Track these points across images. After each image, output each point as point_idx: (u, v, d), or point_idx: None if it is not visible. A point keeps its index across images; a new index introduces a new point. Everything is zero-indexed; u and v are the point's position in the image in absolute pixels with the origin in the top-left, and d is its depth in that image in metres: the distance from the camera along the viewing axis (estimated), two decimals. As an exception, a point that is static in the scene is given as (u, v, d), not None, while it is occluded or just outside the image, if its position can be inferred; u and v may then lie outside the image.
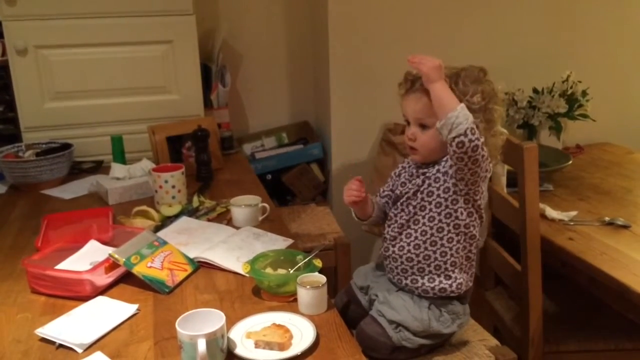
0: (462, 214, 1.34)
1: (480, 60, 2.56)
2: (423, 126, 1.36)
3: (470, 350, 1.43)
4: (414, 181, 1.40)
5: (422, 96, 1.33)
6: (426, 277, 1.38)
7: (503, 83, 1.39)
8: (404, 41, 2.48)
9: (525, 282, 1.62)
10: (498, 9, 2.55)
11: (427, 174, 1.37)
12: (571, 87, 2.47)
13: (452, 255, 1.36)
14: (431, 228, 1.36)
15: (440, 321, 1.37)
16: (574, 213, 1.85)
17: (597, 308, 1.78)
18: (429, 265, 1.37)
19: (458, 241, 1.36)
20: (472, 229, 1.37)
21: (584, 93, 2.48)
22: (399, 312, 1.36)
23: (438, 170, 1.35)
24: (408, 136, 1.38)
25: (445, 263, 1.37)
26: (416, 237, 1.37)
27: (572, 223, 1.81)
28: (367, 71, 2.48)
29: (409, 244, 1.38)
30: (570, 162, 2.18)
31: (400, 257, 1.39)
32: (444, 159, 1.35)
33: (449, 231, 1.35)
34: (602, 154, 2.52)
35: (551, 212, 1.86)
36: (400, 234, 1.40)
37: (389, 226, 1.44)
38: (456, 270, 1.37)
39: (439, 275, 1.37)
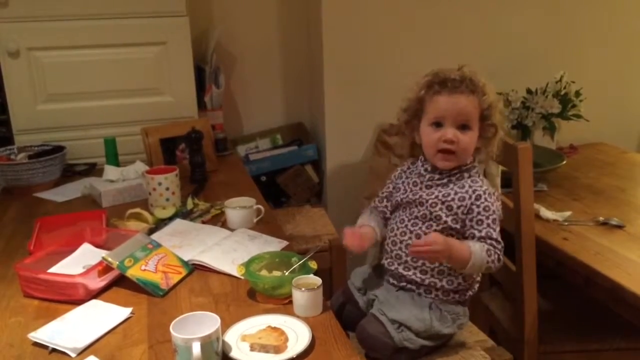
0: None
1: (474, 61, 2.56)
2: (464, 127, 1.33)
3: (467, 351, 1.43)
4: (429, 192, 1.37)
5: (471, 96, 1.31)
6: (445, 280, 1.38)
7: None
8: (399, 42, 2.48)
9: (520, 282, 1.62)
10: (492, 10, 2.56)
11: (450, 192, 1.35)
12: (565, 88, 2.48)
13: (465, 284, 1.39)
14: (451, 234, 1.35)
15: (441, 321, 1.37)
16: (568, 213, 1.86)
17: (591, 308, 1.78)
18: (432, 270, 1.37)
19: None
20: None
21: (578, 93, 2.49)
22: (400, 311, 1.35)
23: (462, 187, 1.34)
24: (446, 139, 1.32)
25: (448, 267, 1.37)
26: (418, 235, 1.36)
27: (566, 223, 1.82)
28: (361, 72, 2.48)
29: (432, 270, 1.37)
30: (564, 162, 2.19)
31: (424, 259, 1.37)
32: (467, 168, 1.36)
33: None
34: (596, 154, 2.52)
35: (545, 212, 1.86)
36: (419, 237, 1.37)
37: (393, 230, 1.42)
38: (459, 276, 1.38)
39: (440, 280, 1.37)
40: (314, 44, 2.54)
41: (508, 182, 1.68)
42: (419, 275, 1.37)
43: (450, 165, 1.35)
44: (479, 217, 1.32)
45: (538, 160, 2.02)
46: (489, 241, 1.31)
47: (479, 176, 1.37)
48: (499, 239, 1.32)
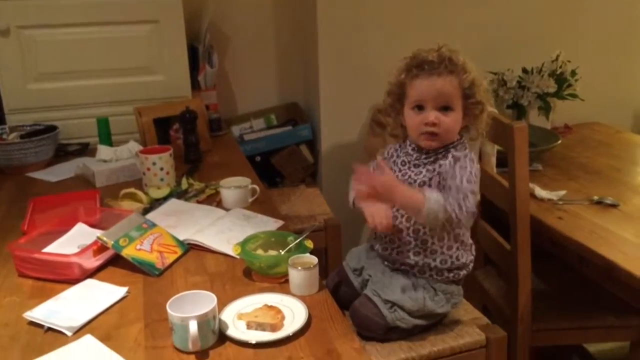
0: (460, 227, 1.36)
1: (470, 41, 2.56)
2: (446, 108, 1.31)
3: (462, 329, 1.44)
4: (417, 170, 1.36)
5: (449, 76, 1.29)
6: (438, 259, 1.37)
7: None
8: (394, 22, 2.46)
9: (514, 261, 1.63)
10: (487, -12, 2.54)
11: (436, 168, 1.33)
12: (560, 67, 2.47)
13: (450, 239, 1.37)
14: None
15: (434, 301, 1.37)
16: (563, 192, 1.86)
17: (584, 286, 1.80)
18: (425, 250, 1.37)
19: (457, 248, 1.37)
20: (467, 237, 1.39)
21: (573, 73, 2.48)
22: (394, 291, 1.36)
23: (450, 164, 1.31)
24: (429, 121, 1.30)
25: (442, 247, 1.37)
26: (415, 222, 1.35)
27: (561, 202, 1.82)
28: (356, 51, 2.46)
29: (407, 228, 1.36)
30: (560, 141, 2.19)
31: (416, 239, 1.37)
32: (453, 145, 1.34)
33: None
34: (591, 134, 2.52)
35: (540, 192, 1.86)
36: (409, 220, 1.36)
37: None
38: (454, 254, 1.38)
39: (434, 260, 1.37)
40: (309, 22, 2.51)
41: (503, 162, 1.68)
42: (412, 257, 1.38)
43: (434, 146, 1.34)
44: (453, 171, 1.30)
45: (533, 140, 2.02)
46: (453, 190, 1.28)
47: (465, 149, 1.34)
48: (468, 191, 1.27)
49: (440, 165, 1.33)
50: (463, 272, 1.40)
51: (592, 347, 2.20)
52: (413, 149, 1.40)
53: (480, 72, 1.34)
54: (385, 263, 1.44)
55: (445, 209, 1.25)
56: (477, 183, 1.31)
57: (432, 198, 1.25)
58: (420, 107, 1.33)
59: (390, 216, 1.32)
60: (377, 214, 1.30)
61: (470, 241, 1.41)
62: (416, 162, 1.37)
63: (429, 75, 1.30)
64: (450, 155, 1.33)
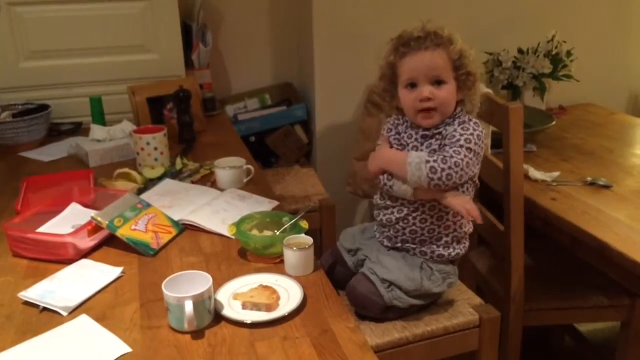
0: (467, 189, 1.35)
1: (466, 20, 2.54)
2: (439, 82, 1.31)
3: (455, 309, 1.45)
4: (427, 142, 1.35)
5: (437, 49, 1.29)
6: (425, 246, 1.39)
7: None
8: (389, 0, 2.43)
9: (507, 241, 1.64)
10: (484, -33, 2.51)
11: (442, 132, 1.32)
12: (556, 47, 2.46)
13: (454, 229, 1.38)
14: (439, 203, 1.34)
15: (431, 280, 1.38)
16: (556, 173, 1.87)
17: (577, 266, 1.81)
18: (431, 238, 1.38)
19: (461, 216, 1.36)
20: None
21: (569, 53, 2.47)
22: (391, 270, 1.37)
23: (454, 129, 1.30)
24: (424, 97, 1.30)
25: (447, 236, 1.38)
26: (423, 212, 1.36)
27: (554, 183, 1.83)
28: (351, 31, 2.44)
29: (414, 217, 1.36)
30: (554, 122, 2.19)
31: (404, 228, 1.38)
32: (456, 115, 1.33)
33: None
34: (585, 115, 2.53)
35: (534, 173, 1.87)
36: (402, 204, 1.37)
37: (381, 192, 1.42)
38: (454, 242, 1.39)
39: (438, 247, 1.38)
40: (303, 1, 2.48)
41: (498, 143, 1.68)
42: (409, 235, 1.38)
43: (434, 122, 1.33)
44: (454, 132, 1.30)
45: (527, 121, 2.01)
46: (447, 147, 1.28)
47: (470, 120, 1.32)
48: (458, 146, 1.27)
49: (446, 130, 1.33)
50: (457, 251, 1.40)
51: (583, 327, 2.23)
52: (401, 121, 1.40)
53: (467, 44, 1.34)
54: (385, 243, 1.44)
55: (426, 161, 1.26)
56: (479, 144, 1.30)
57: (414, 154, 1.29)
58: (413, 85, 1.32)
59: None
60: (470, 207, 1.30)
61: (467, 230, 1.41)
62: (411, 136, 1.37)
63: (417, 51, 1.30)
64: (456, 122, 1.32)
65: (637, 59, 2.84)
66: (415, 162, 1.27)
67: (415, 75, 1.31)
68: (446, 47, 1.30)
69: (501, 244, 1.69)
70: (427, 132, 1.35)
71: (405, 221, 1.38)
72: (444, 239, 1.38)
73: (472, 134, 1.29)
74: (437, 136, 1.34)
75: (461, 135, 1.29)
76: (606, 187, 1.78)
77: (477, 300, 1.51)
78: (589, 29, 2.67)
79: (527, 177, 1.83)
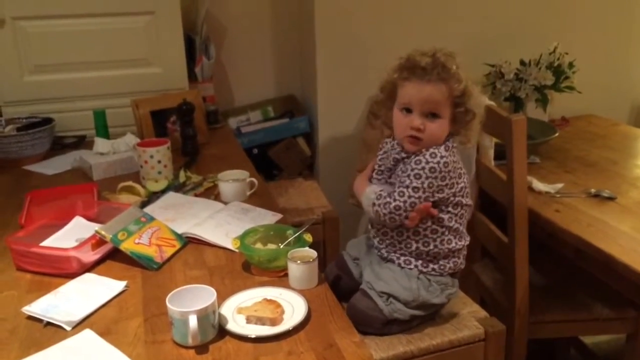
0: (443, 212, 1.34)
1: (469, 32, 2.55)
2: (433, 115, 1.31)
3: (460, 322, 1.44)
4: (404, 167, 1.36)
5: (440, 84, 1.28)
6: (420, 261, 1.38)
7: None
8: (392, 13, 2.45)
9: (511, 253, 1.63)
10: (486, -20, 2.53)
11: (399, 171, 1.36)
12: (558, 59, 2.46)
13: (435, 246, 1.37)
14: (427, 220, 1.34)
15: (429, 291, 1.38)
16: (560, 185, 1.87)
17: (581, 279, 1.81)
18: (410, 252, 1.38)
19: (443, 233, 1.36)
20: (454, 223, 1.36)
21: (571, 65, 2.47)
22: (388, 283, 1.36)
23: (414, 160, 1.31)
24: (414, 126, 1.30)
25: (427, 254, 1.38)
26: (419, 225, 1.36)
27: (558, 195, 1.83)
28: (354, 43, 2.45)
29: (408, 230, 1.36)
30: (557, 134, 2.19)
31: (400, 242, 1.38)
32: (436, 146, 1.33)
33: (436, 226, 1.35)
34: (588, 126, 2.53)
35: (538, 185, 1.87)
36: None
37: None
38: (445, 260, 1.39)
39: (431, 262, 1.38)
40: (306, 14, 2.50)
41: (501, 155, 1.68)
42: (391, 248, 1.40)
43: (415, 149, 1.33)
44: (408, 167, 1.31)
45: (530, 133, 2.01)
46: (385, 200, 1.31)
47: (441, 146, 1.31)
48: (399, 201, 1.29)
49: (416, 155, 1.32)
50: (449, 265, 1.39)
51: (589, 340, 2.22)
52: (394, 147, 1.40)
53: (471, 81, 1.33)
54: (384, 255, 1.44)
55: (372, 204, 1.33)
56: (436, 175, 1.29)
57: (368, 190, 1.36)
58: (408, 110, 1.33)
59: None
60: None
61: (460, 227, 1.39)
62: (397, 155, 1.38)
63: (419, 80, 1.29)
64: (429, 150, 1.31)
65: (639, 70, 2.84)
66: (366, 200, 1.36)
67: (412, 102, 1.31)
68: (450, 83, 1.29)
69: (505, 256, 1.68)
70: (402, 155, 1.36)
71: (384, 233, 1.40)
72: (422, 232, 1.37)
73: (423, 168, 1.29)
74: (405, 160, 1.35)
75: (412, 170, 1.30)
76: (610, 198, 1.78)
77: (482, 313, 1.50)
78: (590, 41, 2.68)
79: (530, 189, 1.83)
